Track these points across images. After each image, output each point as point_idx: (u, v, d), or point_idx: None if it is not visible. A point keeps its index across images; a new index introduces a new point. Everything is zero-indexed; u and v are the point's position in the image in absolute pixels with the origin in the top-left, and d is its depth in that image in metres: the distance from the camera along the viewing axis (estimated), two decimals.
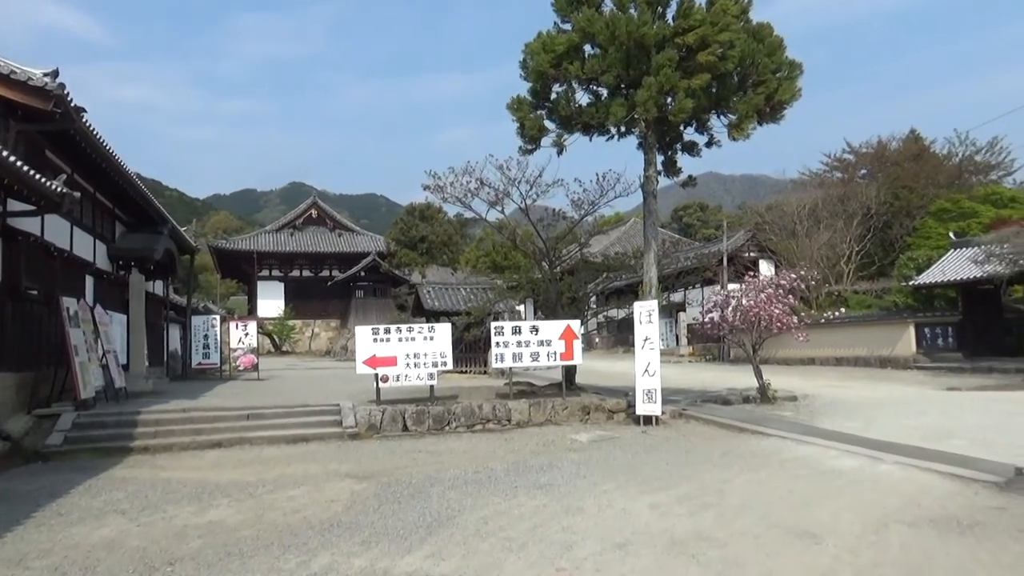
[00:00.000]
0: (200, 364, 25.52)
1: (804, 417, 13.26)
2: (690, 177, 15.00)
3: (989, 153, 43.94)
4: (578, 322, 14.88)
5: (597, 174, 15.51)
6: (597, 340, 49.93)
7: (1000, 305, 27.00)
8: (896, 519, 6.34)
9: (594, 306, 21.45)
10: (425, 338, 14.19)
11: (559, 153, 13.93)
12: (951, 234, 30.64)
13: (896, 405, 14.67)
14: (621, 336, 45.03)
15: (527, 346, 14.25)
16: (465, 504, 7.23)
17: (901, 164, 43.40)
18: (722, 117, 13.60)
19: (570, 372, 15.73)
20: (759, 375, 16.19)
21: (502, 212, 16.48)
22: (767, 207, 44.31)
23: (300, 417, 13.30)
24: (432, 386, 14.13)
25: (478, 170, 15.53)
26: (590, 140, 14.16)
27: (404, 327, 14.45)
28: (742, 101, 12.79)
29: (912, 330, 27.06)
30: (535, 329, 14.41)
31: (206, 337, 25.71)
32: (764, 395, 15.79)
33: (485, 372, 24.36)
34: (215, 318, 26.80)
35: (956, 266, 26.84)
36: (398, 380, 14.07)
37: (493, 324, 14.52)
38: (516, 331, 14.38)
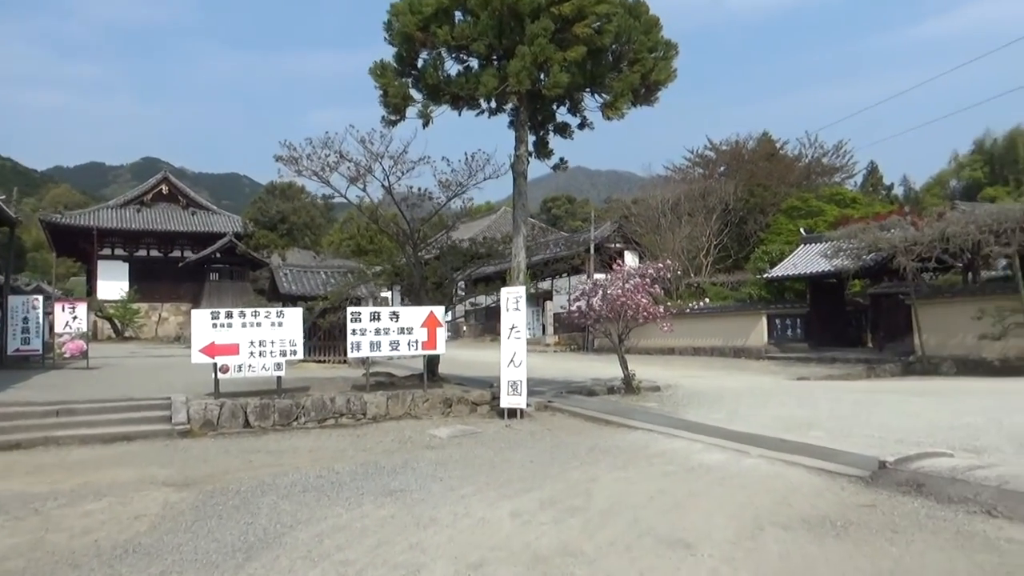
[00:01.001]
0: (19, 351, 22.49)
1: (669, 408, 13.07)
2: (562, 160, 14.47)
3: (835, 156, 47.06)
4: (442, 309, 14.04)
5: (466, 153, 14.69)
6: (464, 328, 49.33)
7: (843, 298, 28.66)
8: (770, 521, 5.94)
9: (462, 293, 20.71)
10: (273, 324, 12.87)
11: (425, 125, 12.94)
12: (802, 230, 32.25)
13: (755, 395, 14.84)
14: (489, 324, 44.62)
15: (386, 334, 13.26)
16: (300, 517, 6.20)
17: (756, 163, 45.62)
18: (597, 96, 13.12)
19: (433, 362, 14.87)
20: (624, 365, 15.99)
21: (363, 189, 15.31)
22: (633, 200, 45.37)
23: (123, 413, 11.68)
24: (279, 377, 12.84)
25: (337, 142, 14.33)
26: (459, 114, 13.30)
27: (249, 311, 13.04)
28: (618, 79, 12.34)
29: (764, 321, 28.22)
30: (395, 316, 13.42)
31: (26, 320, 22.71)
32: (629, 385, 15.60)
33: (344, 362, 23.00)
34: (36, 299, 23.75)
35: (806, 260, 28.20)
36: (240, 370, 12.69)
37: (350, 310, 13.40)
38: (375, 317, 13.34)
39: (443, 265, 16.88)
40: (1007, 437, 8.95)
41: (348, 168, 14.60)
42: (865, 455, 8.15)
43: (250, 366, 12.72)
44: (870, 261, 23.19)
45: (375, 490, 7.19)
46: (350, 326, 13.21)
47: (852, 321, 28.92)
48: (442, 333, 13.75)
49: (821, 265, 26.25)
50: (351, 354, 13.38)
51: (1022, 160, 59.83)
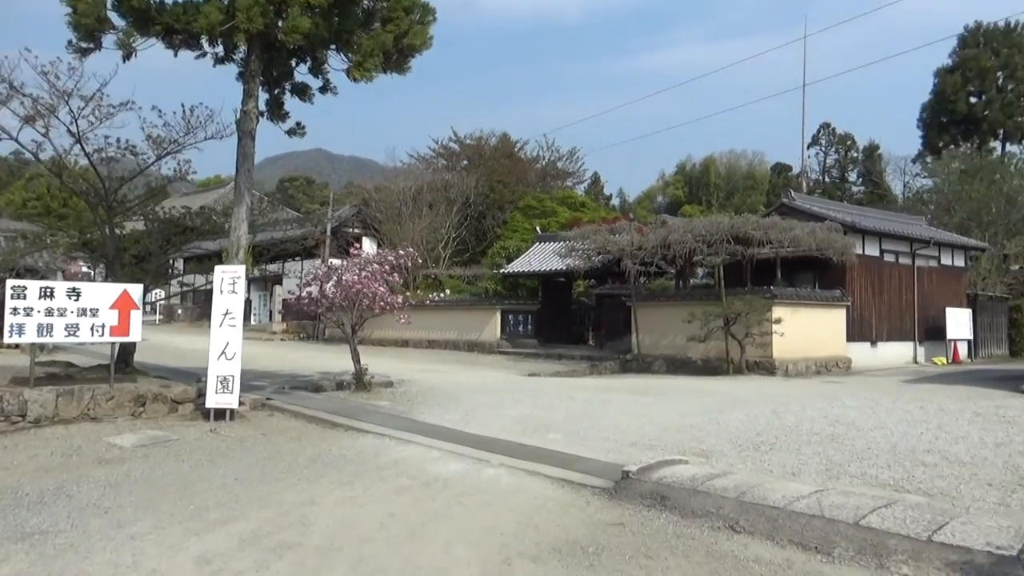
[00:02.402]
0: None
1: (402, 407, 12.12)
2: (299, 124, 12.75)
3: (569, 161, 49.90)
4: (140, 288, 11.65)
5: (183, 104, 12.37)
6: (180, 311, 44.53)
7: (570, 297, 30.08)
8: (517, 550, 5.17)
9: (178, 271, 18.05)
10: None
11: (126, 58, 10.48)
12: (537, 228, 33.37)
13: (490, 393, 14.44)
14: (207, 308, 40.20)
15: (61, 315, 10.61)
16: None
17: (497, 160, 46.76)
18: (343, 56, 11.68)
19: (125, 350, 12.42)
20: (356, 358, 14.76)
21: (45, 135, 12.30)
22: (375, 187, 44.02)
23: None
24: None
25: (8, 69, 11.29)
26: (175, 54, 11.07)
27: None
28: (368, 37, 11.03)
29: (498, 316, 28.58)
30: (75, 293, 10.82)
31: None
32: (360, 381, 14.42)
33: (17, 347, 18.93)
34: None
35: (540, 258, 29.10)
36: None
37: (10, 283, 10.55)
38: (47, 294, 10.62)
39: (148, 237, 14.31)
40: (727, 439, 9.27)
41: (23, 105, 11.63)
42: (604, 461, 7.85)
43: None
44: (599, 262, 24.36)
45: (3, 533, 5.21)
46: (10, 303, 10.35)
47: (577, 319, 30.47)
48: (138, 316, 11.40)
49: (554, 263, 27.18)
50: (8, 338, 10.54)
51: (712, 183, 71.93)
